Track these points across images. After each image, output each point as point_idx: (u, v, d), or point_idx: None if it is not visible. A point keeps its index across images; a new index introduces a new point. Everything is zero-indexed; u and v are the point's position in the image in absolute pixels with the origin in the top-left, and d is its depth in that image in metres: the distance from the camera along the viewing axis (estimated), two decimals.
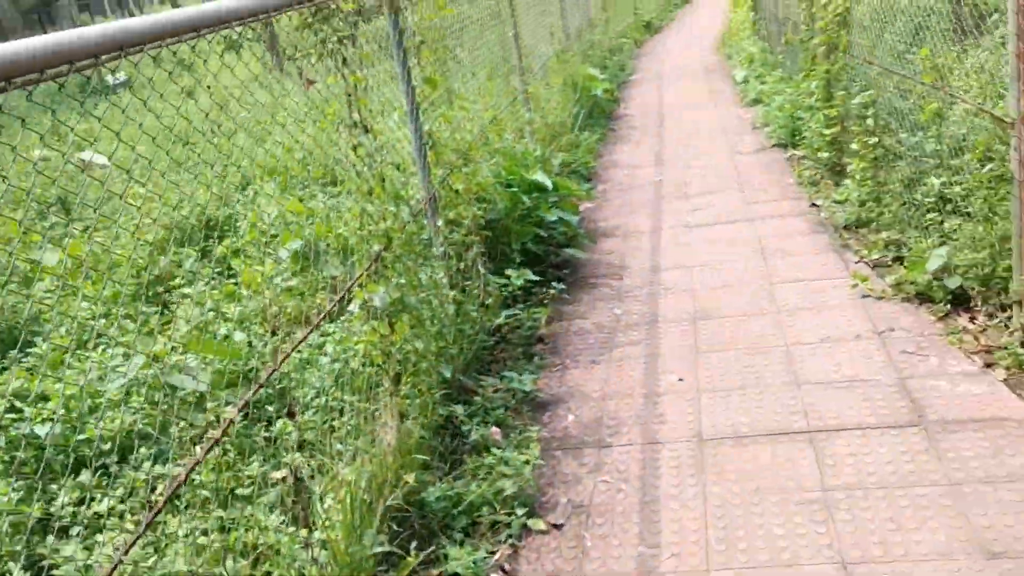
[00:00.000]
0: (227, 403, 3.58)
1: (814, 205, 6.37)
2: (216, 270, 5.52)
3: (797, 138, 7.90)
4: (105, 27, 1.98)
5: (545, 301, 5.22)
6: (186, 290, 5.01)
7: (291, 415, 3.18)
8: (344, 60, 3.40)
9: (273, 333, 3.69)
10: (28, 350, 4.37)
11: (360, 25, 3.64)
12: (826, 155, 6.56)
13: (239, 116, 7.94)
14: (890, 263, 5.17)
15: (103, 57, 1.98)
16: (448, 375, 3.73)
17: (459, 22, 5.71)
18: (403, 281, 3.51)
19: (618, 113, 11.15)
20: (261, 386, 3.03)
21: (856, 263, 5.29)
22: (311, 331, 3.10)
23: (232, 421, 2.93)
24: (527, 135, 7.04)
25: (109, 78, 14.55)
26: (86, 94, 16.19)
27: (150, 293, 5.50)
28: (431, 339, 3.85)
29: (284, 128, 7.08)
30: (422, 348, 3.76)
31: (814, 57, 7.14)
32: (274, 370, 3.10)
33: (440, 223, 4.39)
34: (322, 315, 3.18)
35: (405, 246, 3.59)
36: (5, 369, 4.41)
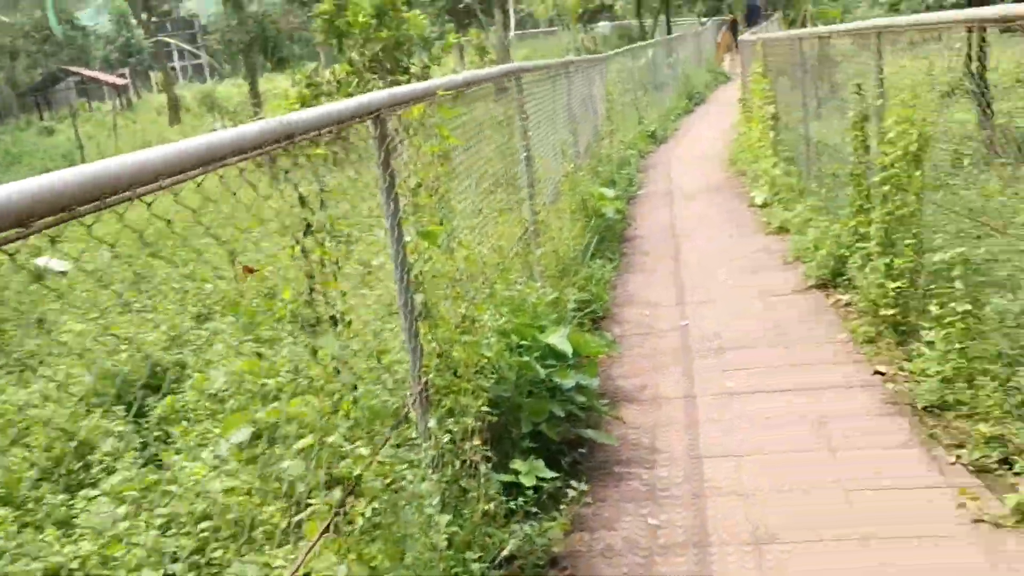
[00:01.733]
0: None
1: (879, 373, 5.32)
2: (146, 444, 4.40)
3: (840, 279, 6.92)
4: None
5: (562, 504, 4.09)
6: (102, 486, 3.88)
7: None
8: (308, 227, 2.37)
9: None
10: None
11: (333, 169, 2.67)
12: (890, 312, 5.53)
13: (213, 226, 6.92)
14: (996, 466, 4.12)
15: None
16: None
17: (463, 149, 4.75)
18: (375, 547, 2.40)
19: (629, 234, 10.23)
20: None
21: (951, 463, 4.23)
22: None
23: None
24: (536, 275, 6.02)
25: None
26: None
27: (63, 472, 4.36)
28: None
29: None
30: None
31: (867, 194, 6.22)
32: None
33: (432, 422, 3.30)
34: None
35: (380, 490, 2.49)
36: None
